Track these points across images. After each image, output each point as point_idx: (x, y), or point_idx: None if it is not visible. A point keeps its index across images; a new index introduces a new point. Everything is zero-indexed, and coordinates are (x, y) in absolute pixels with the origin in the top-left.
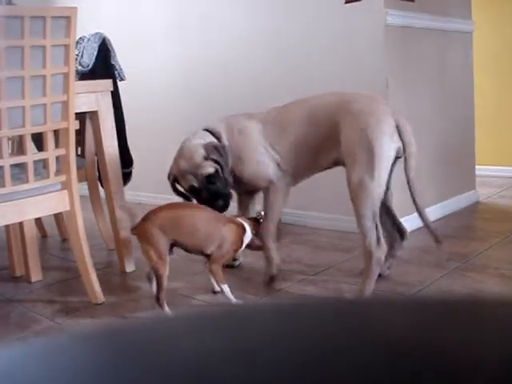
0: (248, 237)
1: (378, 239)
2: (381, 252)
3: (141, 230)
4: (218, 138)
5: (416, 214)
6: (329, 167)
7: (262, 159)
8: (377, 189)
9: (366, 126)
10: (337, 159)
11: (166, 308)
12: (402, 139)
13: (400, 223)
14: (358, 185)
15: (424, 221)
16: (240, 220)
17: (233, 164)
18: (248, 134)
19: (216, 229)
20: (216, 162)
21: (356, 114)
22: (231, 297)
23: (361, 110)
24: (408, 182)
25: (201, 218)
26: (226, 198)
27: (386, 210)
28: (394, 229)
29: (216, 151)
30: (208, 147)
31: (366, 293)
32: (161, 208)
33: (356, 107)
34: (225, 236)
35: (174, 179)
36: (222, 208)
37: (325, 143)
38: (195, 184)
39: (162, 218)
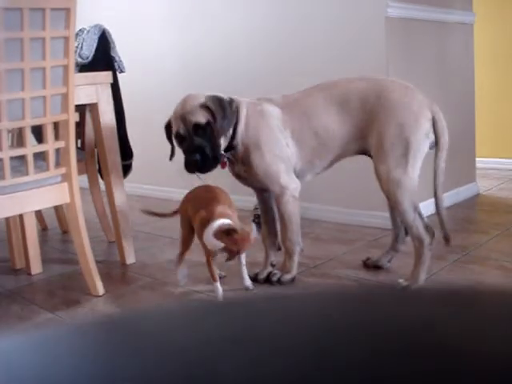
0: (208, 234)
1: (426, 226)
2: (431, 237)
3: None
4: (237, 107)
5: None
6: (349, 156)
7: (280, 154)
8: (411, 183)
9: (403, 122)
10: (362, 149)
11: (180, 275)
12: (435, 131)
13: None
14: (389, 180)
15: (440, 214)
16: (215, 211)
17: (246, 150)
18: (268, 117)
19: (190, 210)
20: (213, 113)
21: (394, 105)
22: (218, 293)
23: (399, 102)
24: (435, 173)
25: (192, 197)
26: (207, 159)
27: None
28: (401, 223)
29: (218, 102)
30: (211, 97)
31: (420, 279)
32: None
33: (393, 97)
34: (195, 219)
35: (169, 124)
36: (198, 166)
37: (355, 132)
38: (181, 131)
39: (187, 196)
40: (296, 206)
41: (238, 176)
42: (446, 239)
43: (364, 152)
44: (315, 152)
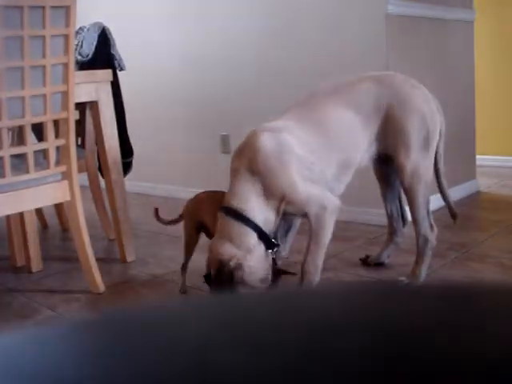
0: None
1: (431, 225)
2: (434, 236)
3: (183, 210)
4: (257, 227)
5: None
6: (365, 164)
7: (312, 176)
8: (429, 175)
9: (423, 112)
10: (377, 152)
11: (184, 282)
12: None
13: (404, 210)
14: (413, 174)
15: (446, 198)
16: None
17: (282, 199)
18: (286, 155)
19: (206, 214)
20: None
21: (408, 98)
22: None
23: (411, 94)
24: (436, 160)
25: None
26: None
27: (398, 196)
28: (398, 216)
29: (221, 279)
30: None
31: (421, 277)
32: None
33: (405, 91)
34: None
35: None
36: None
37: (373, 135)
38: None
39: (192, 200)
40: (332, 227)
41: None
42: (453, 217)
43: (376, 156)
44: (342, 168)
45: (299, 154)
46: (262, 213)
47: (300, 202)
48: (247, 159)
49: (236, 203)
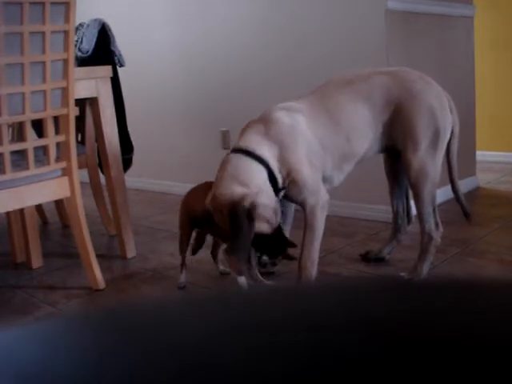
0: None
1: (436, 223)
2: (438, 234)
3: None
4: (267, 165)
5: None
6: (369, 157)
7: (318, 164)
8: (436, 173)
9: (433, 109)
10: (384, 147)
11: (183, 275)
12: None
13: (410, 208)
14: (419, 170)
15: (458, 198)
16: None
17: (289, 173)
18: (301, 134)
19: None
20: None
21: (419, 94)
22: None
23: (423, 90)
24: (449, 160)
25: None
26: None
27: (406, 193)
28: (404, 213)
29: (233, 220)
30: (229, 210)
31: (423, 274)
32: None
33: (417, 87)
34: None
35: None
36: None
37: (381, 128)
38: None
39: (189, 193)
40: (324, 221)
41: None
42: (467, 216)
43: (384, 150)
44: (344, 158)
45: (310, 138)
46: (273, 159)
47: (302, 184)
48: (262, 127)
49: (247, 144)
